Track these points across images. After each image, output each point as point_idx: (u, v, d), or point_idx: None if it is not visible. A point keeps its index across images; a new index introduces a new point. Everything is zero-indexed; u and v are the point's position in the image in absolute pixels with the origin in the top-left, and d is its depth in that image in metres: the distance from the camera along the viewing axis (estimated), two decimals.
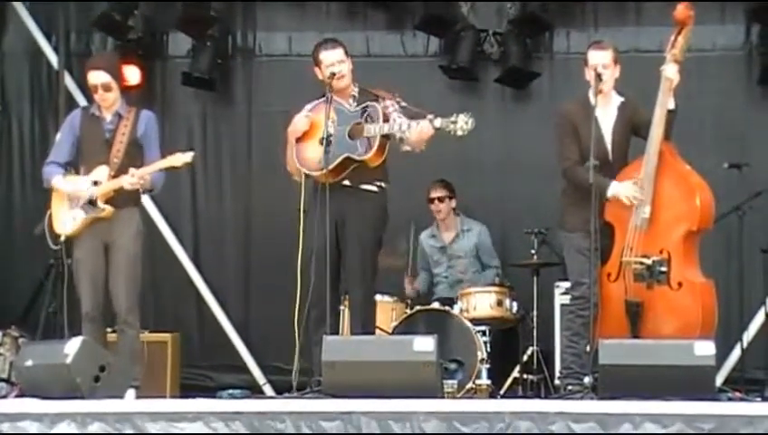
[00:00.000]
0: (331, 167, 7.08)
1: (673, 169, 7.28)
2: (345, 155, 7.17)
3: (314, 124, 7.33)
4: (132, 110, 7.78)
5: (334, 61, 7.35)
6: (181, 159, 7.63)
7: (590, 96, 7.33)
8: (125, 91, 8.03)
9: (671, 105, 7.23)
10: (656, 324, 7.15)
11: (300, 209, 7.45)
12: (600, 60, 7.34)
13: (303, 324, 7.24)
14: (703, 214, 7.24)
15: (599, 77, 7.26)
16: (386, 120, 7.19)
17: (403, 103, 7.33)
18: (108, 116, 7.73)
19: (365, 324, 7.33)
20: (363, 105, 7.28)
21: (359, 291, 7.33)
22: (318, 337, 6.85)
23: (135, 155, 7.65)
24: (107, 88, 7.68)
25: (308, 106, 7.50)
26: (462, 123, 6.93)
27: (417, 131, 7.02)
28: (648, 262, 7.16)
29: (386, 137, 7.19)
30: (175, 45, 10.28)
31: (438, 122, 6.97)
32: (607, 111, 7.39)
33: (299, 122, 7.37)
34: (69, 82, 10.14)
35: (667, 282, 7.16)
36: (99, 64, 7.86)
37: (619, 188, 7.21)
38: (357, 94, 7.41)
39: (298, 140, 7.38)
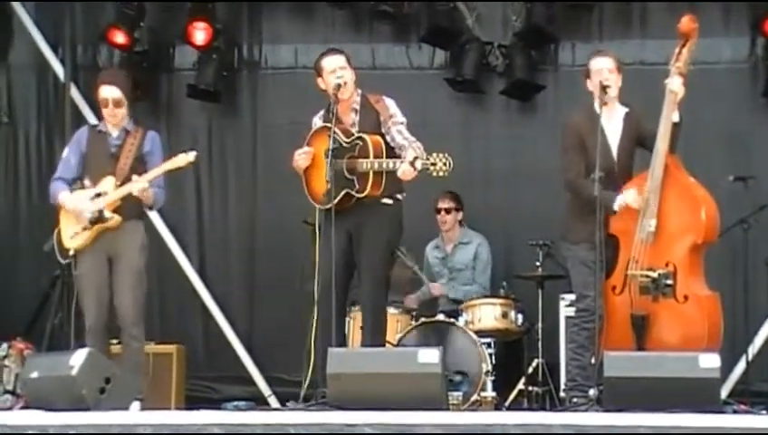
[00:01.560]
0: (330, 205, 7.13)
1: (678, 182, 7.28)
2: (345, 191, 7.22)
3: (315, 156, 7.36)
4: (139, 129, 7.81)
5: (336, 67, 7.37)
6: (185, 158, 7.67)
7: (595, 107, 7.34)
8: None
9: (676, 118, 7.23)
10: (661, 337, 7.15)
11: (312, 223, 7.47)
12: (604, 65, 7.33)
13: (310, 336, 7.25)
14: (708, 227, 7.24)
15: (604, 89, 7.26)
16: (377, 152, 7.21)
17: (401, 120, 7.36)
18: (114, 132, 7.76)
19: (375, 335, 7.34)
20: (356, 138, 7.30)
21: (370, 301, 7.35)
22: (323, 349, 6.85)
23: (139, 172, 7.66)
24: (118, 104, 7.71)
25: (314, 119, 7.53)
26: (440, 165, 6.97)
27: (401, 172, 7.08)
28: (654, 275, 7.15)
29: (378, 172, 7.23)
30: (181, 58, 10.30)
31: (419, 164, 7.00)
32: (612, 122, 7.39)
33: (298, 160, 7.40)
34: (75, 94, 10.17)
35: (673, 295, 7.16)
36: (112, 80, 7.88)
37: (625, 198, 7.21)
38: (358, 107, 7.43)
39: (305, 172, 7.42)
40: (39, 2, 10.28)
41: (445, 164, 6.96)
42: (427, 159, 6.99)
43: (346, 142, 7.28)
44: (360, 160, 7.22)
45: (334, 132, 7.21)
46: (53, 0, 10.17)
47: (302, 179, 7.46)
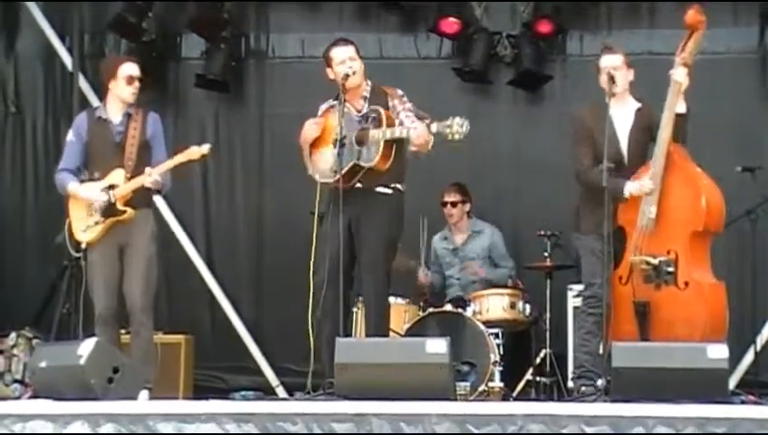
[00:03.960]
0: (337, 178, 7.10)
1: (681, 171, 7.27)
2: (353, 162, 7.20)
3: (325, 129, 7.36)
4: (139, 111, 7.75)
5: (345, 58, 7.36)
6: (198, 151, 7.64)
7: (606, 101, 7.33)
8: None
9: (682, 108, 7.23)
10: (664, 325, 7.14)
11: (314, 213, 7.46)
12: (611, 62, 7.35)
13: (316, 327, 7.25)
14: (710, 215, 7.22)
15: (611, 79, 7.27)
16: (390, 124, 7.20)
17: (409, 105, 7.35)
18: (116, 118, 7.71)
19: (378, 327, 7.34)
20: (370, 109, 7.28)
21: (372, 293, 7.34)
22: (330, 339, 6.85)
23: (145, 156, 7.66)
24: (140, 81, 7.71)
25: (322, 106, 7.53)
26: (456, 127, 6.94)
27: (416, 135, 7.06)
28: (655, 262, 7.16)
29: (390, 141, 7.19)
30: (188, 47, 10.31)
31: (435, 127, 6.99)
32: (623, 116, 7.38)
33: (309, 129, 7.40)
34: (83, 83, 10.17)
35: (675, 282, 7.16)
36: (134, 59, 7.88)
37: (636, 185, 7.21)
38: (368, 94, 7.42)
39: (311, 146, 7.40)
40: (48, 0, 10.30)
41: (461, 126, 6.92)
42: (443, 121, 6.96)
43: (357, 117, 7.26)
44: (372, 131, 7.20)
45: (345, 106, 7.19)
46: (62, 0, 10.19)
47: (307, 153, 7.42)
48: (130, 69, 7.69)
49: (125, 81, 7.66)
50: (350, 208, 7.19)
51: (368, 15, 10.08)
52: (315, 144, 7.40)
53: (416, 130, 7.06)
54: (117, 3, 10.01)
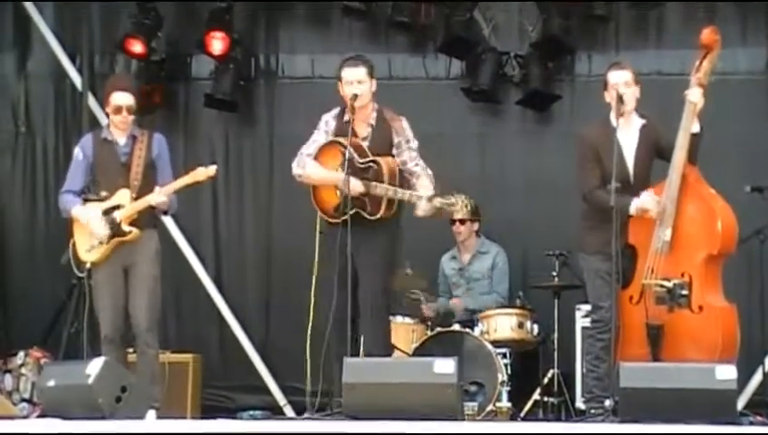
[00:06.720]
0: (342, 219, 7.19)
1: (695, 193, 7.26)
2: (355, 210, 7.25)
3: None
4: (145, 132, 7.80)
5: (352, 80, 7.39)
6: (205, 173, 7.67)
7: (610, 119, 7.33)
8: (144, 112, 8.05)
9: (696, 128, 7.22)
10: (676, 348, 7.13)
11: (323, 232, 7.48)
12: (621, 79, 7.33)
13: (325, 346, 7.25)
14: (724, 238, 7.21)
15: (620, 99, 7.26)
16: (391, 175, 7.27)
17: (414, 144, 7.38)
18: (121, 139, 7.74)
19: (382, 348, 7.36)
20: (371, 160, 7.33)
21: (369, 318, 7.35)
22: (338, 359, 6.85)
23: (151, 177, 7.69)
24: (130, 110, 7.72)
25: (328, 117, 7.54)
26: (460, 205, 7.22)
27: (421, 210, 7.17)
28: (669, 285, 7.14)
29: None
30: (198, 67, 10.33)
31: (438, 203, 7.13)
32: (628, 134, 7.38)
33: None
34: (92, 103, 10.20)
35: (688, 305, 7.14)
36: (126, 86, 7.88)
37: (641, 203, 7.19)
38: (374, 122, 7.44)
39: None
40: (57, 7, 10.32)
41: (467, 205, 7.12)
42: (446, 198, 7.11)
43: (360, 163, 7.30)
44: (374, 184, 7.24)
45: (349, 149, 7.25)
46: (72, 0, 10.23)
47: (311, 190, 7.48)
48: (118, 99, 7.71)
49: (111, 110, 7.72)
50: (354, 227, 7.22)
51: (377, 36, 10.10)
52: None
53: (421, 205, 7.15)
54: (126, 23, 10.05)
